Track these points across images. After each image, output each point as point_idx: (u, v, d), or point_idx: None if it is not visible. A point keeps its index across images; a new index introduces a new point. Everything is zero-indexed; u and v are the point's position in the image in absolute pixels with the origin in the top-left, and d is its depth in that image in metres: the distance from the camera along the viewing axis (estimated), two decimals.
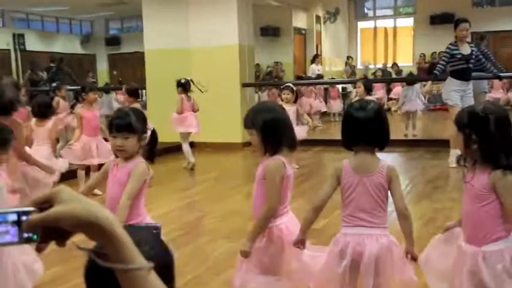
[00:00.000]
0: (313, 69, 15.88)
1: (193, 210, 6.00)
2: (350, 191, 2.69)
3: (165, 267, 1.10)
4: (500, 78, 7.61)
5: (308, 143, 8.82)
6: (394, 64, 18.31)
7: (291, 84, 7.88)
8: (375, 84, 16.71)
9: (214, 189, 7.08)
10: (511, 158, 2.39)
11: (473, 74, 7.93)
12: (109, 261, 0.92)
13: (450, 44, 7.82)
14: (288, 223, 2.84)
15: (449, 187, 6.67)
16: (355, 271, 2.66)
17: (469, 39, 8.04)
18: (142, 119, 3.08)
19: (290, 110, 7.78)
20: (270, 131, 2.75)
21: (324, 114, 14.95)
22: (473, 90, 7.87)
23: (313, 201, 2.76)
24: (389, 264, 2.64)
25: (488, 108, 2.43)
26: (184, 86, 8.20)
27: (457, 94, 7.82)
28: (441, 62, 7.96)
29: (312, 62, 16.51)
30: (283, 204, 2.83)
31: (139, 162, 3.04)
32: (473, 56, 7.73)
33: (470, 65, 7.77)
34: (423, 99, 13.15)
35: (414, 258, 2.67)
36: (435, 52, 18.54)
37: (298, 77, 16.09)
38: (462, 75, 7.83)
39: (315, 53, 18.00)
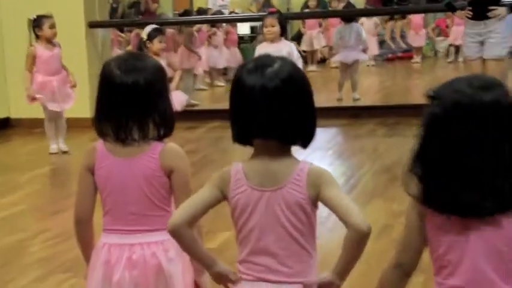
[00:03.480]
0: None
1: (11, 230, 5.89)
2: (245, 218, 2.36)
3: None
4: None
5: (198, 115, 8.79)
6: None
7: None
8: (308, 21, 16.79)
9: (45, 193, 7.01)
10: None
11: None
12: None
13: None
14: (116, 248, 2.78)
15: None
16: None
17: None
18: None
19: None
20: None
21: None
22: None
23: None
24: None
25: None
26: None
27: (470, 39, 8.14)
28: None
29: None
30: (102, 214, 2.83)
31: None
32: None
33: None
34: (372, 44, 13.43)
35: None
36: None
37: (184, 13, 15.80)
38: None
39: None
